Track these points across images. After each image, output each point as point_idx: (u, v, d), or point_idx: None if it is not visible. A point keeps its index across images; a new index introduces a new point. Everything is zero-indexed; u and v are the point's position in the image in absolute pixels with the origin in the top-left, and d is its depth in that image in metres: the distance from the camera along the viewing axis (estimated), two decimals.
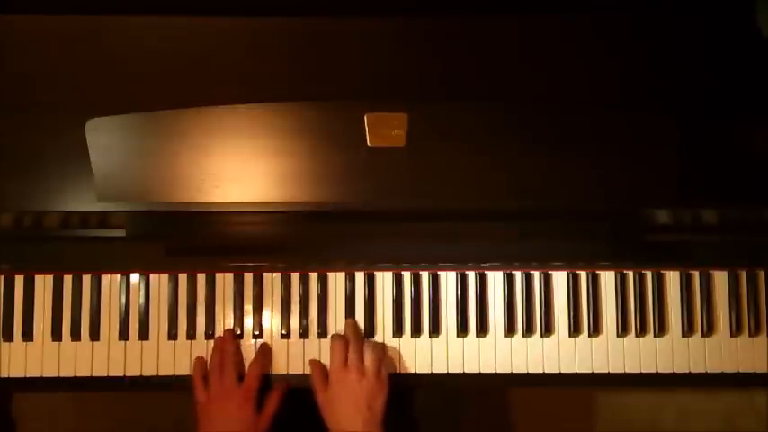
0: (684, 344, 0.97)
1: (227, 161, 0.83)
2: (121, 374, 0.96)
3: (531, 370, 0.96)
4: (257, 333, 0.97)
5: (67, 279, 0.97)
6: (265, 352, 0.96)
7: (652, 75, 0.87)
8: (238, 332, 0.96)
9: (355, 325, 0.97)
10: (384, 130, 0.82)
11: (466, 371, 0.96)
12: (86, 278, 0.97)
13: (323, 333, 0.97)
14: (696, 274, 0.98)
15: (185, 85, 0.86)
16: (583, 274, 0.98)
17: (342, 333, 0.96)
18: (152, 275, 0.97)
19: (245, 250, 0.95)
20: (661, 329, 0.97)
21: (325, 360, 0.95)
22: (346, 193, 0.83)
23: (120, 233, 0.91)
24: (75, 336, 0.96)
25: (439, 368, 0.96)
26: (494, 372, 0.96)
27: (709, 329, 0.97)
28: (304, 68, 0.86)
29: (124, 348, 0.96)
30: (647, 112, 0.84)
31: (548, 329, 0.97)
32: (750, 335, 0.97)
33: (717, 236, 0.96)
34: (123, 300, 0.97)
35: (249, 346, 0.97)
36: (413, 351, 0.97)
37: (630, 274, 0.98)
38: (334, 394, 0.90)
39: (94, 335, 0.96)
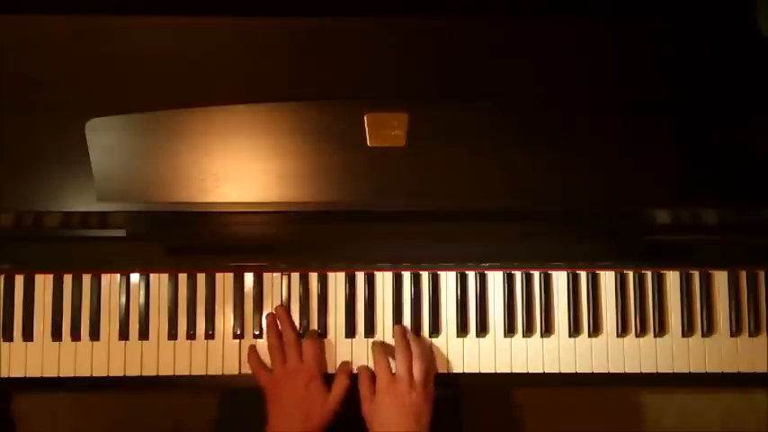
0: (684, 344, 0.97)
1: (226, 161, 0.83)
2: (121, 374, 0.96)
3: (531, 370, 0.96)
4: (257, 333, 0.97)
5: (67, 279, 0.97)
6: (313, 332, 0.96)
7: (652, 75, 0.87)
8: (238, 332, 0.96)
9: (403, 332, 0.94)
10: (384, 130, 0.82)
11: (466, 371, 0.96)
12: (86, 278, 0.97)
13: (323, 333, 0.96)
14: (696, 274, 0.98)
15: (185, 85, 0.86)
16: (583, 274, 0.98)
17: (381, 341, 0.95)
18: (152, 275, 0.97)
19: (245, 250, 0.95)
20: (661, 329, 0.97)
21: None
22: (346, 193, 0.83)
23: (120, 233, 0.91)
24: (75, 336, 0.96)
25: (439, 368, 0.96)
26: (494, 372, 0.96)
27: (708, 329, 0.97)
28: (304, 68, 0.86)
29: (124, 348, 0.96)
30: (646, 113, 0.84)
31: (548, 329, 0.97)
32: (750, 335, 0.97)
33: (717, 236, 0.96)
34: (123, 300, 0.97)
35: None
36: None
37: (630, 274, 0.98)
38: (380, 405, 0.88)
39: (94, 335, 0.96)
